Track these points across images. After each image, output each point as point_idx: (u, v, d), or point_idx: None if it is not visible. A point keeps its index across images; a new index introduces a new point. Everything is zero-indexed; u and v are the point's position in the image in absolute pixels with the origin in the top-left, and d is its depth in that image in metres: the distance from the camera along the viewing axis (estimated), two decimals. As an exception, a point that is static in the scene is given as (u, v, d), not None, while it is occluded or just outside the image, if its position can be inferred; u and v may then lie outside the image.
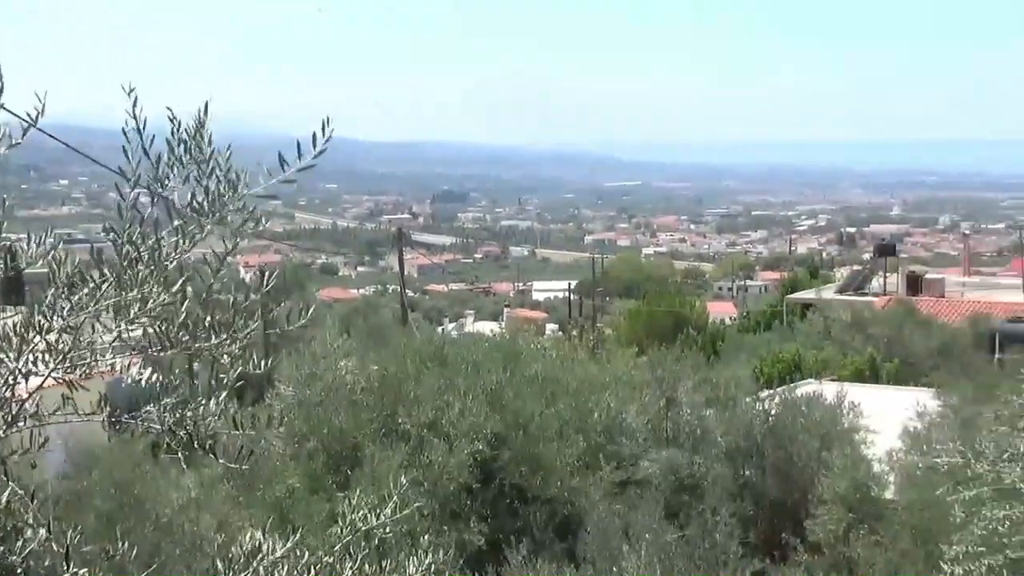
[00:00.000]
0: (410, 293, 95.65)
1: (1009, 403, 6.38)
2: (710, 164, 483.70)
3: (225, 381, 3.36)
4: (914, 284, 54.68)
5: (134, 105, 3.21)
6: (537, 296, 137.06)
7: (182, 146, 3.25)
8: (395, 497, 3.61)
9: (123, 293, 3.15)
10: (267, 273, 3.83)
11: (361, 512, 3.57)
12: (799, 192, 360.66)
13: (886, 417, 17.37)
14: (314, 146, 3.31)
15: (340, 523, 3.60)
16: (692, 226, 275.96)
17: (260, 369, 3.41)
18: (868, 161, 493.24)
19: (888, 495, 14.69)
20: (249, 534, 3.40)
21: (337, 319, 20.58)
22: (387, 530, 3.57)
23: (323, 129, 3.30)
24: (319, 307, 60.29)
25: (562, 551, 12.37)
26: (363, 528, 3.54)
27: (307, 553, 3.35)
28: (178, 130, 3.27)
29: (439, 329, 56.18)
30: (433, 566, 3.51)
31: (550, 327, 70.16)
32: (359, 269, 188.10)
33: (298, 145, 3.28)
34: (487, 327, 49.87)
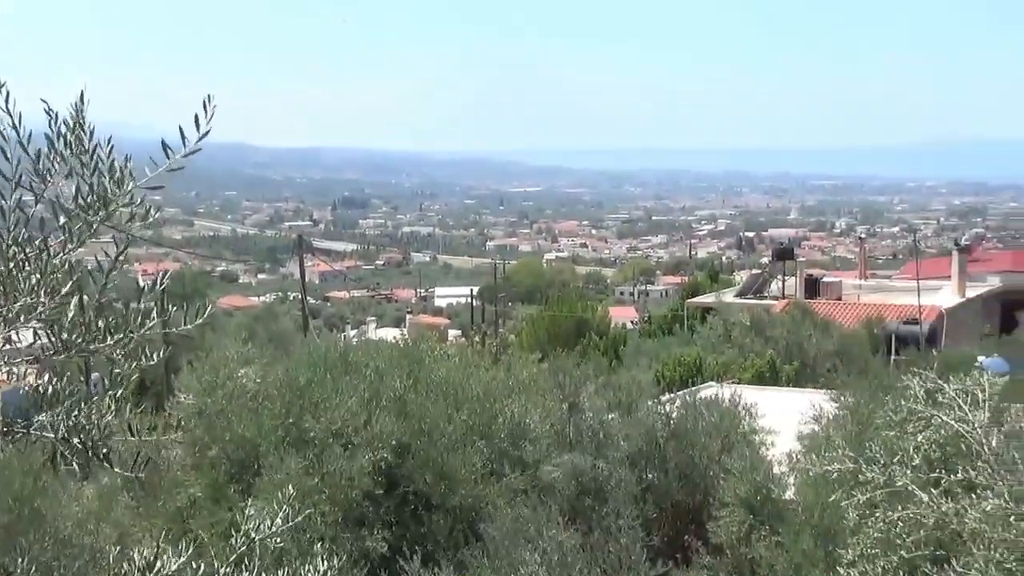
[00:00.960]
0: (311, 300, 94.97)
1: (898, 407, 6.45)
2: (611, 170, 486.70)
3: (120, 378, 3.28)
4: (812, 287, 55.43)
5: (6, 100, 3.10)
6: (440, 302, 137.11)
7: (62, 140, 3.15)
8: (286, 507, 3.55)
9: (10, 298, 3.06)
10: (163, 274, 3.76)
11: (256, 522, 3.51)
12: (699, 197, 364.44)
13: (786, 419, 17.55)
14: (184, 145, 3.22)
15: (237, 533, 3.54)
16: (594, 231, 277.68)
17: (155, 361, 3.34)
18: (767, 167, 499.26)
19: (788, 496, 14.83)
20: (145, 548, 3.32)
21: (238, 327, 20.37)
22: (278, 540, 3.51)
23: (200, 119, 3.21)
24: (220, 315, 59.75)
25: (465, 557, 12.32)
26: (257, 538, 3.47)
27: (203, 565, 3.28)
28: (56, 122, 3.17)
29: (341, 336, 55.89)
30: (328, 573, 3.46)
31: (453, 333, 70.14)
32: (260, 276, 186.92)
33: (181, 132, 3.19)
34: (390, 334, 49.69)
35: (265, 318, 54.70)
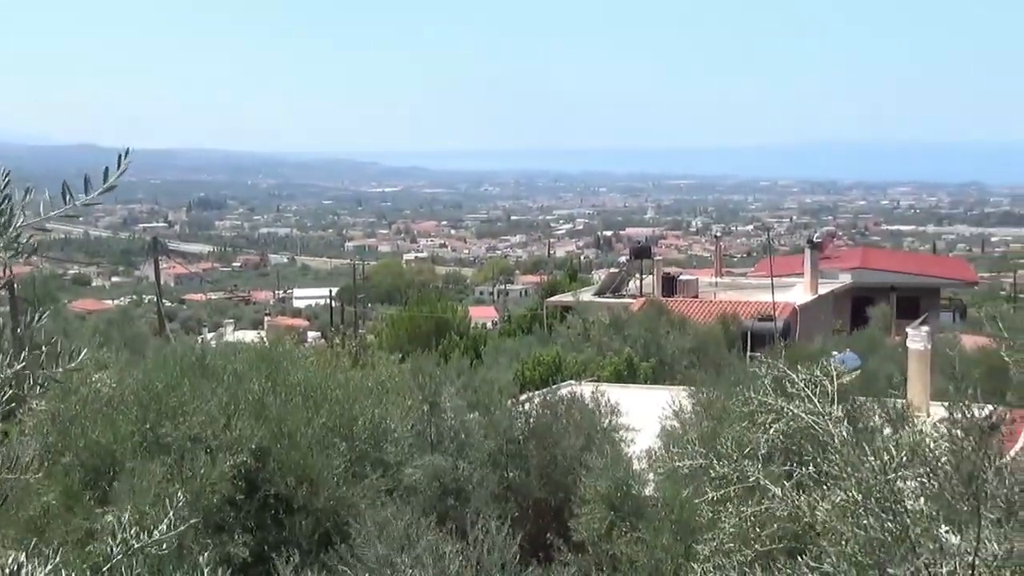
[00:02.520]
0: (167, 303, 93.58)
1: (749, 399, 6.58)
2: (469, 171, 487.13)
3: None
4: (669, 285, 56.09)
5: None
6: (298, 304, 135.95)
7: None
8: (171, 512, 3.52)
9: None
10: (9, 279, 3.67)
11: (132, 528, 3.46)
12: (557, 197, 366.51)
13: (645, 416, 17.76)
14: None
15: (110, 540, 3.48)
16: (453, 231, 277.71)
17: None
18: (624, 167, 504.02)
19: (648, 492, 15.00)
20: (11, 556, 3.26)
21: (92, 330, 19.97)
22: (163, 546, 3.47)
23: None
24: (73, 319, 58.52)
25: (329, 561, 12.25)
26: (136, 545, 3.43)
27: (71, 572, 3.23)
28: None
29: (198, 339, 55.05)
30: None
31: (312, 334, 69.56)
32: (113, 280, 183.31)
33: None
34: (248, 336, 49.13)
35: (120, 322, 53.58)
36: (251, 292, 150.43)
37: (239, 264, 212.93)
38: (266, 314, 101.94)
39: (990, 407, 6.01)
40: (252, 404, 14.31)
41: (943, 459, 5.88)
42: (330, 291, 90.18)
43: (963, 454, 5.71)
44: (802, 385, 6.43)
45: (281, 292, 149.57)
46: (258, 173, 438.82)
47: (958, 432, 5.79)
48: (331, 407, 15.13)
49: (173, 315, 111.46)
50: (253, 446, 13.42)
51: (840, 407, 6.31)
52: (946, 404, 5.96)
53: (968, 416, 5.82)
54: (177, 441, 13.41)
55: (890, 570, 5.48)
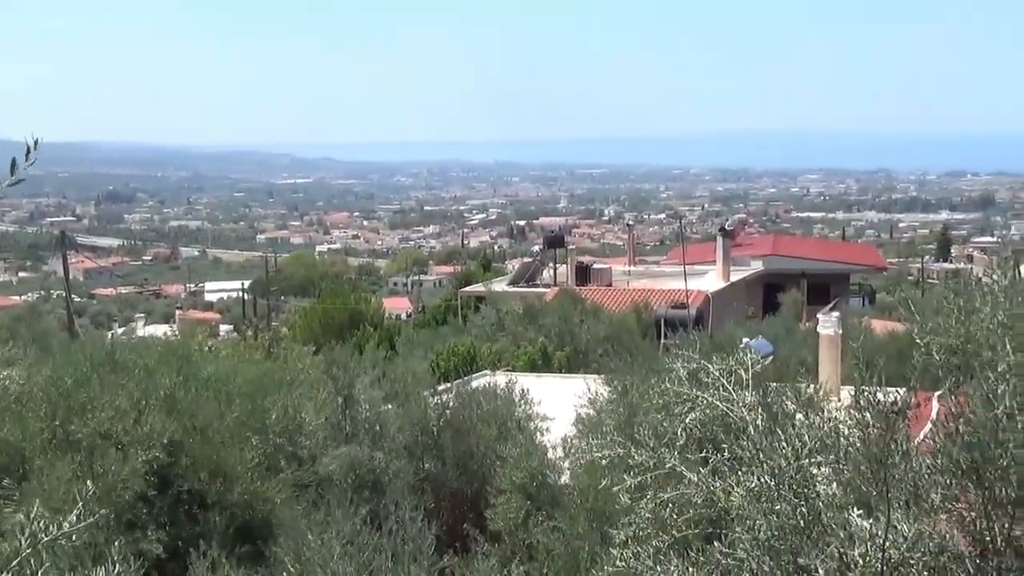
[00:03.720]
0: (76, 298, 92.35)
1: (664, 390, 6.62)
2: (381, 162, 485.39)
3: None
4: (583, 274, 56.30)
5: None
6: (210, 297, 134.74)
7: None
8: (78, 508, 3.46)
9: None
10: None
11: (40, 523, 3.40)
12: (470, 187, 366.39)
13: (560, 404, 17.81)
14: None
15: (19, 537, 3.42)
16: (366, 223, 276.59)
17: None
18: (537, 157, 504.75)
19: (564, 481, 15.05)
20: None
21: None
22: (73, 539, 3.41)
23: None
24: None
25: (245, 555, 12.15)
26: (44, 539, 3.37)
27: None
28: None
29: (108, 334, 54.36)
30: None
31: (224, 328, 69.03)
32: (20, 275, 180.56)
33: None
34: (159, 330, 48.64)
35: (28, 317, 52.84)
36: (162, 286, 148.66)
37: (149, 258, 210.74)
38: (177, 308, 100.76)
39: (898, 391, 6.09)
40: (163, 399, 14.15)
41: (852, 444, 5.95)
42: (242, 284, 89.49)
43: (871, 438, 5.78)
44: (716, 374, 6.48)
45: (192, 285, 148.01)
46: (168, 166, 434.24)
47: (866, 416, 5.86)
48: (244, 401, 15.00)
49: (82, 310, 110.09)
50: (165, 441, 13.27)
51: (753, 394, 6.37)
52: (854, 389, 6.03)
53: (875, 401, 5.90)
54: (87, 437, 13.22)
55: (801, 559, 5.54)
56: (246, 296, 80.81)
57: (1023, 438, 5.51)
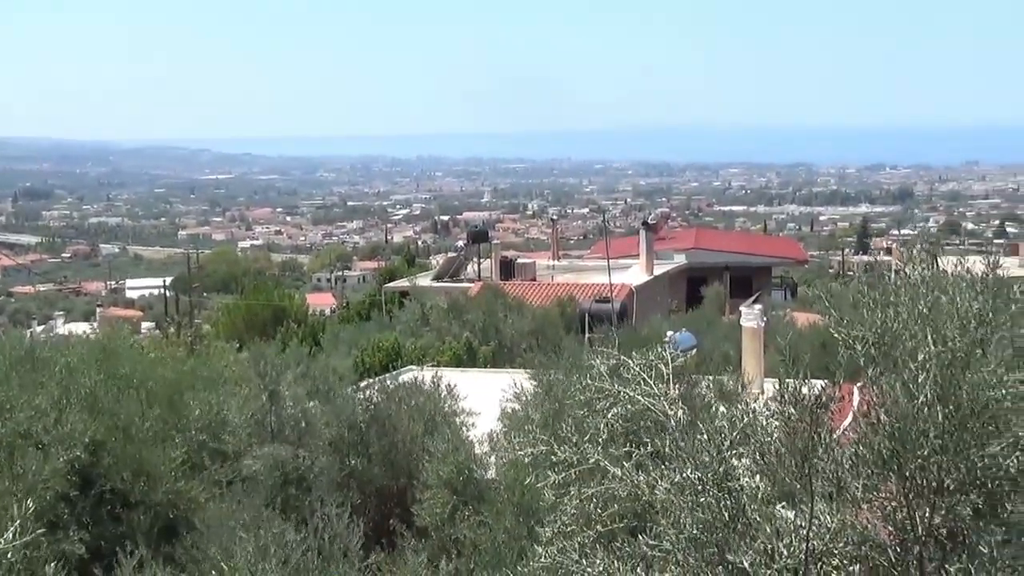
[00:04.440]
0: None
1: (586, 386, 6.65)
2: (303, 157, 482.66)
3: None
4: (507, 268, 56.36)
5: None
6: (131, 294, 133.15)
7: None
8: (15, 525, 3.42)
9: None
10: None
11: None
12: (393, 182, 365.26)
13: (486, 399, 17.84)
14: None
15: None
16: (288, 218, 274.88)
17: None
18: (460, 152, 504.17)
19: (491, 476, 15.08)
20: None
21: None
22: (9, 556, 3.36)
23: None
24: None
25: (169, 555, 12.05)
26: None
27: None
28: None
29: (27, 332, 53.64)
30: None
31: (146, 325, 68.33)
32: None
33: None
34: (79, 328, 48.08)
35: (-56, 316, 52.00)
36: (82, 283, 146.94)
37: (69, 255, 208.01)
38: (98, 305, 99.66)
39: (820, 383, 6.16)
40: (85, 397, 14.00)
41: (775, 436, 6.01)
42: (164, 281, 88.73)
43: (794, 431, 5.85)
44: (637, 370, 6.51)
45: (113, 283, 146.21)
46: (87, 161, 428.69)
47: (789, 409, 5.92)
48: (167, 399, 14.89)
49: (0, 308, 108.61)
50: (87, 440, 13.12)
51: (676, 387, 6.41)
52: (777, 381, 6.09)
53: (798, 393, 5.96)
54: (6, 437, 13.04)
55: (729, 556, 5.59)
56: (168, 293, 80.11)
57: (943, 428, 5.59)
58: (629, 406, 6.39)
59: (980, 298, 5.98)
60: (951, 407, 5.60)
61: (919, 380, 5.65)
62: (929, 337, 5.79)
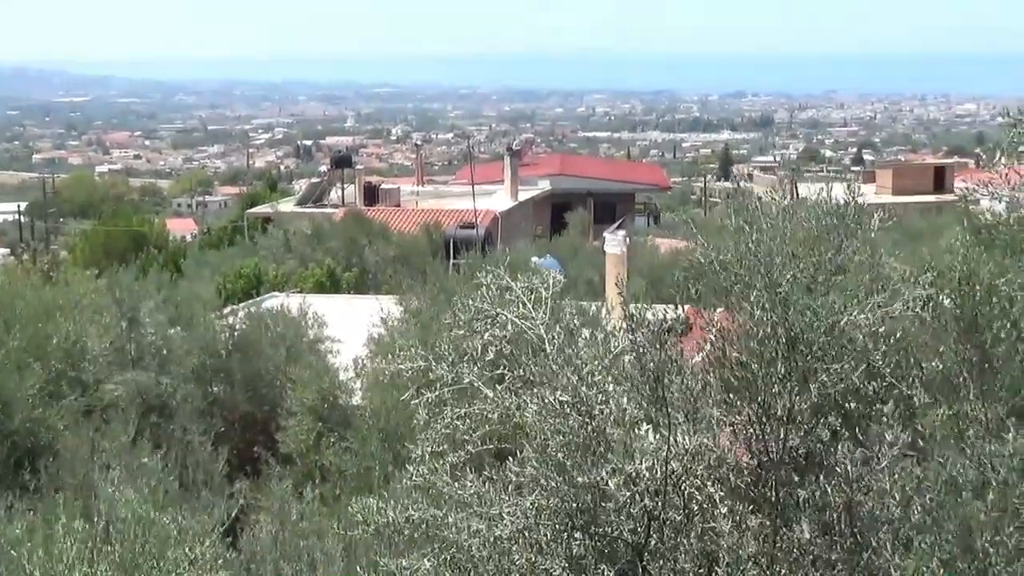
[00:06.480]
0: None
1: (466, 307, 6.66)
2: (163, 79, 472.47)
3: None
4: (371, 194, 56.06)
5: None
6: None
7: None
8: None
9: None
10: None
11: None
12: (256, 106, 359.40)
13: (349, 326, 17.81)
14: None
15: None
16: (148, 142, 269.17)
17: None
18: (326, 75, 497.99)
19: (356, 401, 15.09)
20: None
21: None
22: None
23: None
24: None
25: (26, 484, 11.87)
26: None
27: None
28: None
29: None
30: None
31: (0, 252, 66.76)
32: None
33: None
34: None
35: None
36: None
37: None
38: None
39: (681, 308, 6.26)
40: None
41: (633, 360, 6.10)
42: (18, 206, 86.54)
43: (649, 355, 5.94)
44: (519, 293, 6.54)
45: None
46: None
47: (644, 333, 6.00)
48: (23, 326, 14.59)
49: None
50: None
51: (545, 312, 6.46)
52: (635, 307, 6.17)
53: (654, 318, 6.06)
54: None
55: (589, 475, 5.67)
56: (23, 219, 78.30)
57: (792, 353, 5.73)
58: (506, 328, 6.42)
59: (838, 225, 6.12)
60: (801, 332, 5.73)
61: (769, 306, 5.76)
62: (787, 264, 5.90)
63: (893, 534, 5.48)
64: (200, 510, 9.47)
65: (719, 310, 6.27)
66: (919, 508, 5.36)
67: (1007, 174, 6.53)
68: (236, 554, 9.01)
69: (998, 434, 5.37)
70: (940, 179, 57.32)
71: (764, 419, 5.85)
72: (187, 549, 7.22)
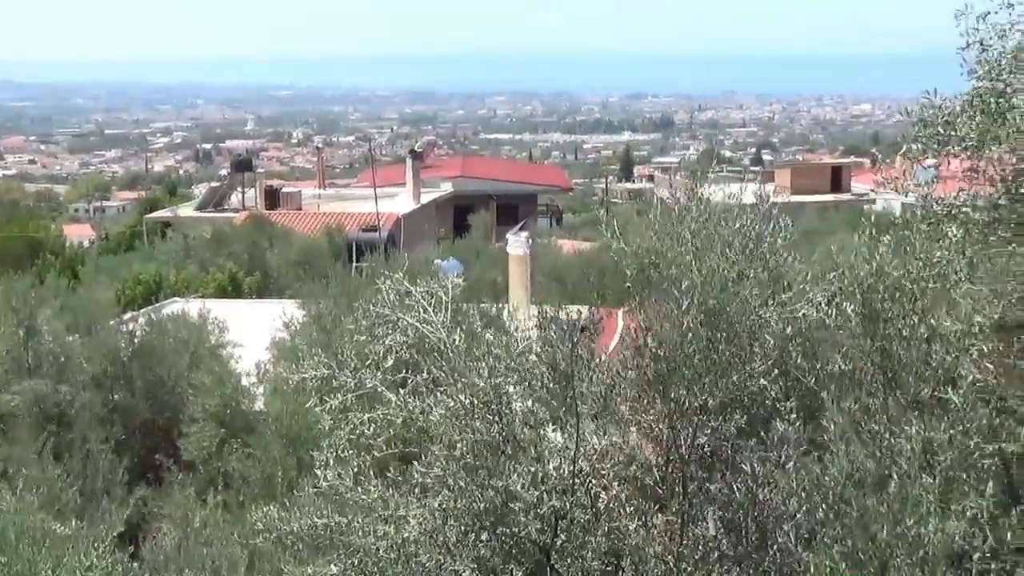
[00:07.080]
0: None
1: (368, 312, 6.63)
2: (57, 83, 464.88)
3: None
4: (272, 198, 55.61)
5: None
6: None
7: None
8: None
9: None
10: None
11: None
12: (154, 109, 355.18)
13: (252, 331, 17.67)
14: None
15: None
16: (43, 147, 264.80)
17: None
18: (223, 78, 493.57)
19: (258, 407, 14.97)
20: None
21: None
22: None
23: None
24: None
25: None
26: None
27: None
28: None
29: None
30: None
31: None
32: None
33: None
34: None
35: None
36: None
37: None
38: None
39: (585, 308, 6.28)
40: None
41: (541, 360, 6.10)
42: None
43: (558, 354, 5.94)
44: (419, 297, 6.52)
45: None
46: None
47: (550, 333, 6.01)
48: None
49: None
50: None
51: (448, 315, 6.45)
52: (541, 307, 6.17)
53: (561, 318, 6.06)
54: None
55: (497, 475, 5.66)
56: (-86, 226, 76.58)
57: (706, 351, 5.76)
58: (407, 333, 6.40)
59: (747, 225, 6.17)
60: (714, 331, 5.77)
61: (683, 305, 5.79)
62: (694, 263, 5.94)
63: (796, 529, 5.53)
64: (99, 519, 9.33)
65: (624, 309, 6.28)
66: (822, 502, 5.41)
67: (905, 170, 6.58)
68: (138, 563, 8.90)
69: (899, 426, 5.43)
70: (837, 179, 58.11)
71: (676, 415, 5.88)
72: (82, 556, 7.12)
